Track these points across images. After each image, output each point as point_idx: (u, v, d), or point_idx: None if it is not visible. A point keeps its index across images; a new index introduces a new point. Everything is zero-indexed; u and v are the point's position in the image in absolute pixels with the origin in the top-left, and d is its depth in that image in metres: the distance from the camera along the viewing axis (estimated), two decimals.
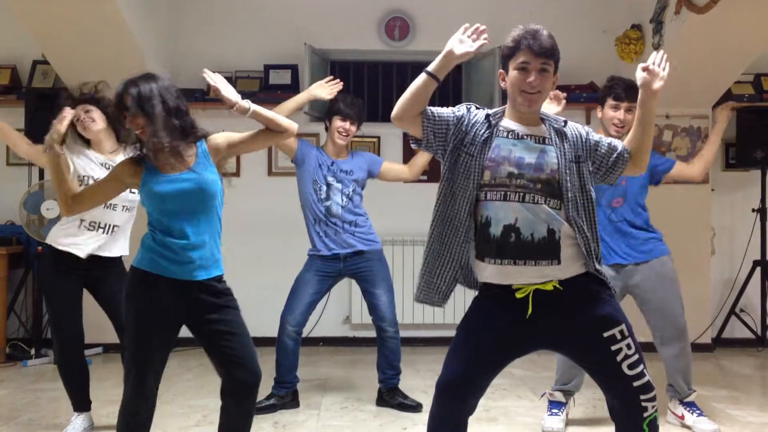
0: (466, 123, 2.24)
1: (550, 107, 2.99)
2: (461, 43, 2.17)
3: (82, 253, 3.32)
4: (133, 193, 3.29)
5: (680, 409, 3.57)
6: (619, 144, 2.33)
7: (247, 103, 2.55)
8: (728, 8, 4.27)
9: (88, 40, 4.67)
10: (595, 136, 2.32)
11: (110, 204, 3.30)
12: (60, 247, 3.33)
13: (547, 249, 2.15)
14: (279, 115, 2.64)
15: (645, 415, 2.13)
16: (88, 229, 3.33)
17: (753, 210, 5.54)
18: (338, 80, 3.81)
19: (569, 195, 2.18)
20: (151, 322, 2.49)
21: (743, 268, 5.57)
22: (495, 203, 2.16)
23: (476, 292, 2.30)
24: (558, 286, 2.15)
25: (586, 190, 2.23)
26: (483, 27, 2.19)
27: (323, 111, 5.09)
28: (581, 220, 2.19)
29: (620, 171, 2.32)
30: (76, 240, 3.33)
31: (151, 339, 2.50)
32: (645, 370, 2.16)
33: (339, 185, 3.90)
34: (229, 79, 5.54)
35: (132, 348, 2.52)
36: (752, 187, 5.63)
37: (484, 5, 5.52)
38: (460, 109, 2.28)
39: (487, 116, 2.25)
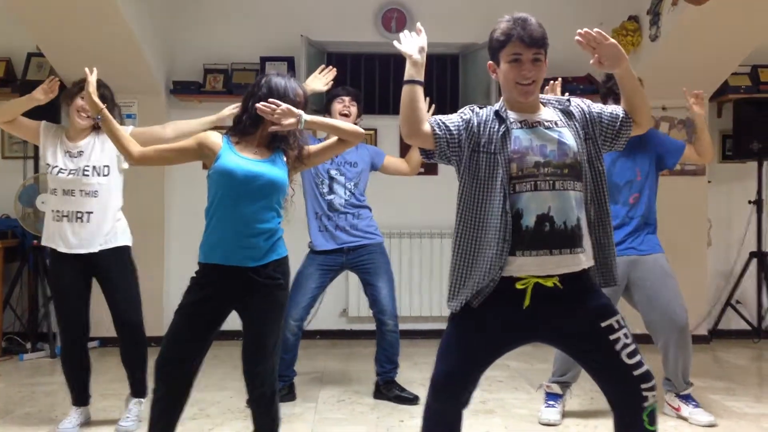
0: (475, 125, 2.22)
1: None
2: (410, 42, 2.19)
3: (63, 247, 3.30)
4: (86, 175, 3.30)
5: (676, 401, 3.58)
6: (620, 110, 2.30)
7: (304, 116, 2.58)
8: (725, 0, 4.26)
9: (83, 32, 4.64)
10: (596, 107, 2.30)
11: (68, 190, 3.30)
12: (42, 243, 3.35)
13: (577, 236, 2.15)
14: (340, 121, 2.69)
15: (645, 404, 2.11)
16: (57, 221, 3.32)
17: (749, 201, 5.55)
18: (331, 68, 3.61)
19: (587, 176, 2.19)
20: (194, 311, 2.55)
21: (739, 259, 5.59)
22: (525, 194, 2.14)
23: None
24: (558, 283, 2.14)
25: (595, 167, 2.23)
26: (418, 26, 2.23)
27: (320, 103, 5.09)
28: (591, 203, 2.20)
29: (627, 135, 2.30)
30: (53, 233, 3.33)
31: (190, 329, 2.55)
32: (643, 360, 2.15)
33: (342, 178, 3.89)
34: (224, 72, 5.57)
35: (170, 335, 2.56)
36: (749, 178, 5.64)
37: None
38: (466, 113, 2.26)
39: (496, 112, 2.23)
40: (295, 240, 4.05)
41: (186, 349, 2.56)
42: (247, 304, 2.61)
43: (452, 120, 2.24)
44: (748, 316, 5.62)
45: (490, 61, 2.26)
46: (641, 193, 3.57)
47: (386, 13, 5.73)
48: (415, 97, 2.18)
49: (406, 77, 2.19)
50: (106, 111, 2.73)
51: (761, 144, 5.34)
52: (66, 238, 3.31)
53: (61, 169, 3.31)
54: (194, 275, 2.62)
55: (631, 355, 2.12)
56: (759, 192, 5.50)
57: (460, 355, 2.20)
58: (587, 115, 2.27)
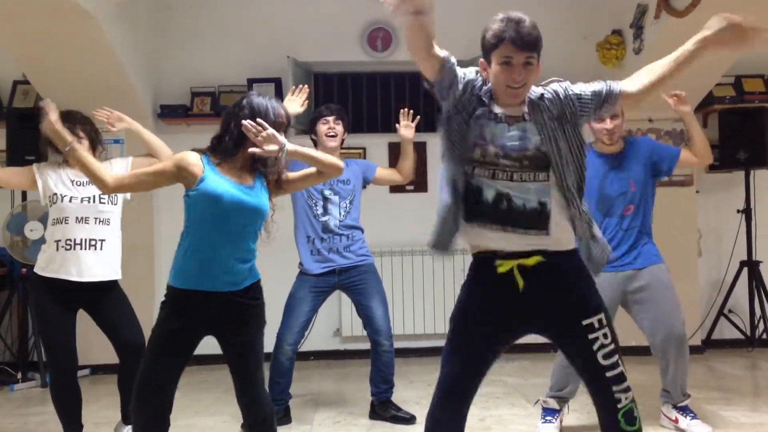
0: (470, 88, 2.19)
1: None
2: None
3: (76, 276, 3.25)
4: (103, 202, 3.30)
5: (673, 413, 3.56)
6: (604, 85, 2.23)
7: (287, 144, 2.53)
8: (707, 11, 4.24)
9: (69, 59, 4.64)
10: (576, 88, 2.24)
11: (82, 217, 3.27)
12: (42, 273, 3.28)
13: (537, 219, 2.14)
14: (321, 153, 2.73)
15: (619, 406, 2.13)
16: (66, 249, 3.26)
17: (738, 211, 5.57)
18: (302, 86, 3.43)
19: (561, 162, 2.15)
20: (173, 337, 2.51)
21: (730, 268, 5.60)
22: (483, 179, 2.15)
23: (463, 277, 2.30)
24: (542, 259, 2.14)
25: (575, 151, 2.19)
26: None
27: (306, 123, 5.09)
28: (573, 187, 2.17)
29: (613, 104, 2.23)
30: (63, 262, 3.27)
31: (167, 354, 2.51)
32: (620, 361, 2.16)
33: (336, 198, 3.86)
34: (212, 94, 5.58)
35: (147, 357, 2.52)
36: (736, 188, 5.66)
37: (465, 14, 5.53)
38: (471, 74, 2.22)
39: (480, 97, 2.20)
40: (276, 261, 4.05)
41: (166, 378, 2.52)
42: (229, 330, 2.56)
43: (463, 70, 2.21)
44: (741, 325, 5.63)
45: (482, 59, 2.22)
46: (636, 205, 3.53)
47: (372, 33, 5.76)
48: (420, 24, 2.04)
49: (411, 9, 1.99)
50: (74, 144, 2.60)
51: (747, 153, 5.38)
52: (79, 267, 3.26)
53: (72, 196, 3.28)
54: (166, 300, 2.56)
55: (607, 356, 2.14)
56: (747, 201, 5.53)
57: (463, 357, 2.20)
58: (562, 100, 2.20)
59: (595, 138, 3.56)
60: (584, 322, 2.15)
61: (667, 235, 3.94)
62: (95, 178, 2.55)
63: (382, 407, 3.91)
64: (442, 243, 2.25)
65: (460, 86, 2.19)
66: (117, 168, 3.33)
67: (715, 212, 5.84)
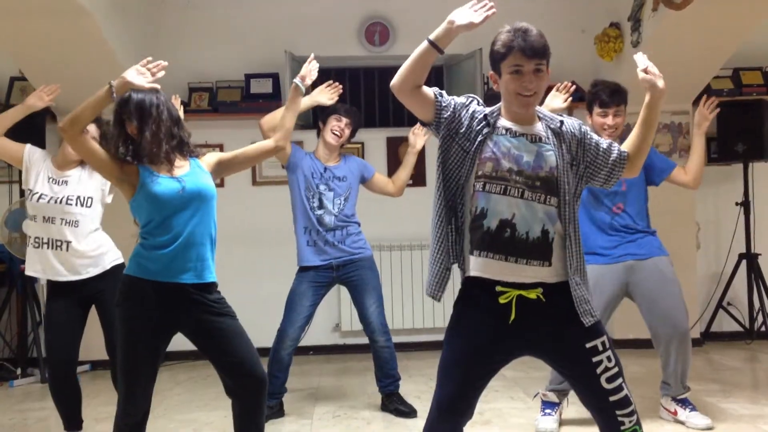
0: (464, 113, 2.19)
1: (555, 101, 3.24)
2: (466, 14, 2.09)
3: (42, 273, 3.27)
4: (69, 204, 3.27)
5: (672, 405, 3.57)
6: (616, 146, 2.30)
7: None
8: (705, 4, 4.30)
9: (66, 56, 4.63)
10: (594, 137, 2.27)
11: (49, 217, 3.26)
12: (27, 272, 3.29)
13: (539, 249, 2.12)
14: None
15: (622, 428, 2.12)
16: (37, 247, 3.27)
17: (736, 203, 5.57)
18: (338, 84, 3.69)
19: (566, 196, 2.16)
20: (139, 329, 2.49)
21: (729, 261, 5.60)
22: (494, 196, 2.12)
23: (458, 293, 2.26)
24: (541, 296, 2.12)
25: (577, 193, 2.21)
26: (491, 3, 2.11)
27: (307, 119, 5.09)
28: (573, 223, 2.17)
29: (619, 174, 2.28)
30: (35, 261, 3.28)
31: (138, 347, 2.50)
32: (623, 384, 2.14)
33: (331, 194, 3.87)
34: (209, 90, 5.57)
35: (121, 357, 2.52)
36: (735, 180, 5.66)
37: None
38: (468, 98, 2.23)
39: (485, 116, 2.20)
40: (276, 260, 4.06)
41: (150, 380, 2.55)
42: (202, 333, 2.57)
43: (453, 98, 2.22)
44: (740, 318, 5.63)
45: (492, 71, 2.22)
46: (625, 203, 3.56)
47: (369, 27, 5.75)
48: (425, 58, 2.12)
49: (431, 34, 2.11)
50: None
51: (746, 146, 5.38)
52: (50, 266, 3.26)
53: (42, 195, 3.26)
54: (124, 289, 2.54)
55: (610, 379, 2.12)
56: (746, 193, 5.53)
57: (456, 380, 2.18)
58: (579, 141, 2.22)
59: (595, 133, 3.55)
60: (588, 345, 2.12)
61: (666, 229, 3.94)
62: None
63: (388, 399, 3.95)
64: (438, 287, 2.23)
65: (462, 112, 2.19)
66: None
67: (713, 205, 5.84)
